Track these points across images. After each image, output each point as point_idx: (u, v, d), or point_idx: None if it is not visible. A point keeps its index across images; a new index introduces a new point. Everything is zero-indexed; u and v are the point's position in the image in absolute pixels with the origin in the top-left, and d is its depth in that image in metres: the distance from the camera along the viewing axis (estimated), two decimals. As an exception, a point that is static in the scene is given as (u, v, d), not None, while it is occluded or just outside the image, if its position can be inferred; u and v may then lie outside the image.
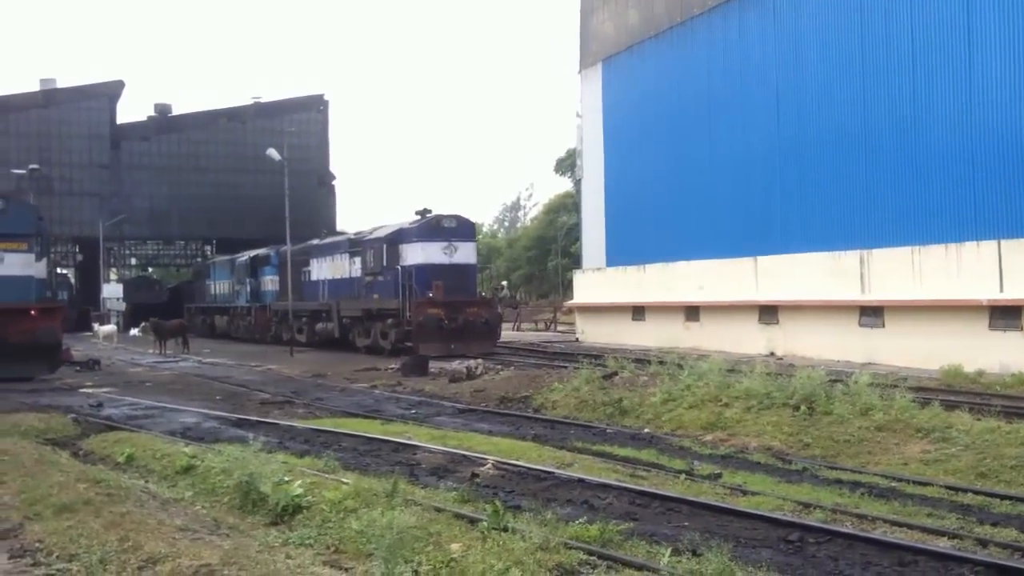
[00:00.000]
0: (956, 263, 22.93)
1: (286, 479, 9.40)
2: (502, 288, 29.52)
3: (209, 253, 71.34)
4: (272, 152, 36.56)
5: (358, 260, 33.51)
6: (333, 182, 72.21)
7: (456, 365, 23.00)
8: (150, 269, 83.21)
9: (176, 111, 68.14)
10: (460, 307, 29.39)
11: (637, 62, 36.29)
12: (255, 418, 16.43)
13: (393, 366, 25.47)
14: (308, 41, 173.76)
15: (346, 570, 7.03)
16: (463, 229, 31.37)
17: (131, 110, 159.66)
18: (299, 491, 9.00)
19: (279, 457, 11.31)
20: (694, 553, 7.13)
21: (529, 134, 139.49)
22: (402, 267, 30.03)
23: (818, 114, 27.57)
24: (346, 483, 9.44)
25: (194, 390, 22.12)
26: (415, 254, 30.05)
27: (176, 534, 7.45)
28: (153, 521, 7.90)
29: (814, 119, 27.72)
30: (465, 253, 30.76)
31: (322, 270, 36.96)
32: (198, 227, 67.42)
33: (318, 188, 68.72)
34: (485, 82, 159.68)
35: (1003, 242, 21.82)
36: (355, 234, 35.63)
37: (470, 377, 21.92)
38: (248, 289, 43.94)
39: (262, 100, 67.63)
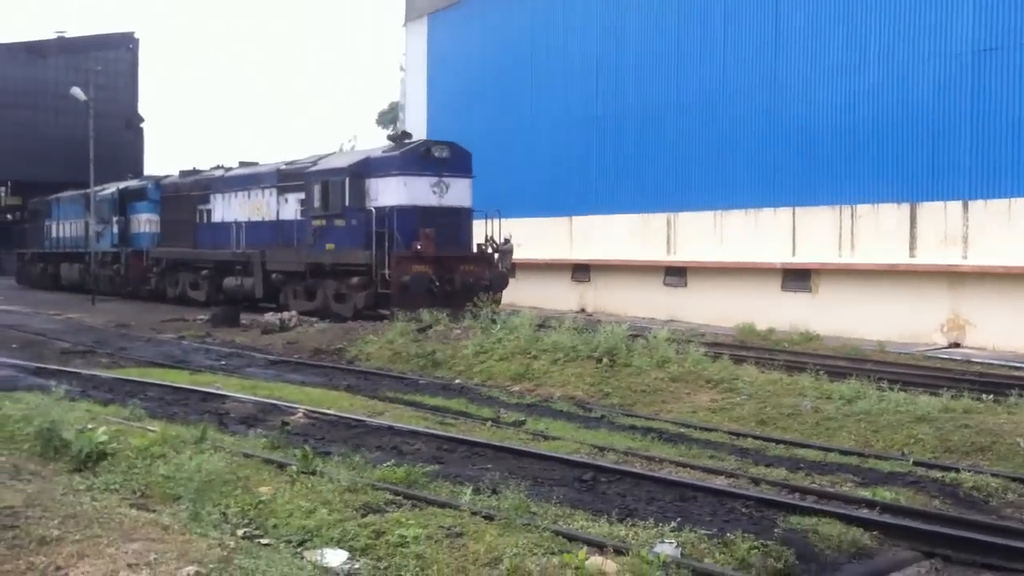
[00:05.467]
0: (754, 228, 24.52)
1: (90, 427, 9.21)
2: (507, 241, 25.07)
3: (3, 195, 66.75)
4: (76, 91, 34.62)
5: (293, 197, 25.73)
6: (142, 125, 68.97)
7: (269, 317, 22.71)
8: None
9: (-31, 41, 63.22)
10: (454, 264, 22.79)
11: (463, 19, 36.38)
12: (55, 367, 15.77)
13: (202, 317, 24.89)
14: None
15: (154, 512, 7.06)
16: (458, 160, 23.99)
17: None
18: (104, 438, 8.83)
19: (82, 405, 11.02)
20: (494, 491, 7.54)
21: (352, 84, 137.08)
22: (375, 208, 22.76)
23: (635, 83, 28.57)
24: (153, 431, 9.34)
25: (-13, 338, 20.97)
26: (394, 191, 22.79)
27: (-27, 480, 7.26)
28: (-53, 468, 7.65)
29: (631, 88, 28.71)
30: (459, 192, 23.64)
31: (232, 209, 28.70)
32: (-9, 166, 62.88)
33: (125, 130, 65.28)
34: (307, 29, 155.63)
35: (797, 210, 23.52)
36: (287, 163, 27.09)
37: (283, 329, 21.65)
38: (115, 230, 35.58)
39: (66, 35, 63.60)
